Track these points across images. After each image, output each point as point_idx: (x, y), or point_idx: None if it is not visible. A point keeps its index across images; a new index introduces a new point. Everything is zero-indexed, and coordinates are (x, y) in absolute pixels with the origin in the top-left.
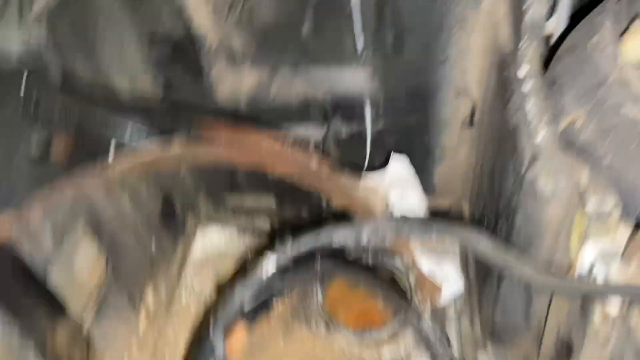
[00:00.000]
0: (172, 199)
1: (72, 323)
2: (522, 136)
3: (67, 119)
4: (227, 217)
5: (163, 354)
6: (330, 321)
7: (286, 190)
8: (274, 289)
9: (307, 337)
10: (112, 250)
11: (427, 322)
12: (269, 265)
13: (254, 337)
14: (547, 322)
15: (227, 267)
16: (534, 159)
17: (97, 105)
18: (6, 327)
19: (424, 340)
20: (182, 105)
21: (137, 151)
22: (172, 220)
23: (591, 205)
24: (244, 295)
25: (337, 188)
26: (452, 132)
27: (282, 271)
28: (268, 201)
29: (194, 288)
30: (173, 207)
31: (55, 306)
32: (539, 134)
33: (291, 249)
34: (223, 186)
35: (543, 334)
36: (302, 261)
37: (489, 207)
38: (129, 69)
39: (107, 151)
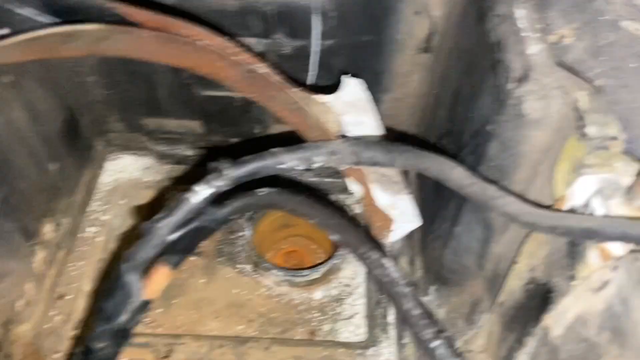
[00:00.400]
0: (76, 116)
1: None
2: (508, 51)
3: None
4: (143, 143)
5: (63, 292)
6: (258, 260)
7: (215, 112)
8: (205, 221)
9: (233, 276)
10: (0, 172)
11: (389, 265)
12: (203, 191)
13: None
14: (514, 263)
15: (142, 198)
16: (524, 76)
17: None
18: None
19: (387, 289)
20: None
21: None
22: (77, 140)
23: (592, 129)
24: (169, 227)
25: (286, 101)
26: (405, 56)
27: (216, 201)
28: (193, 125)
29: (101, 218)
30: (77, 125)
31: None
32: (532, 47)
33: (231, 172)
34: (140, 106)
35: (504, 276)
36: (237, 191)
37: (449, 138)
38: None
39: None
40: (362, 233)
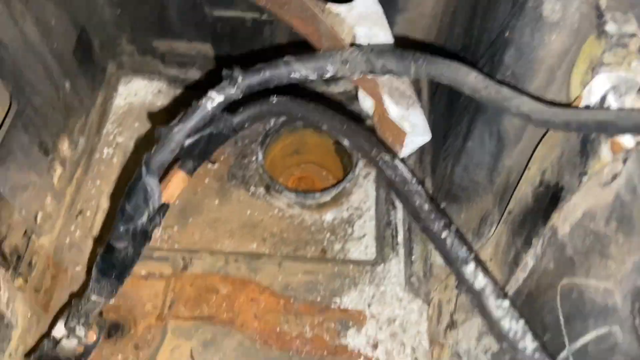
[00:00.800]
0: (88, 36)
1: None
2: None
3: None
4: (155, 66)
5: (81, 209)
6: (271, 183)
7: (225, 34)
8: (219, 128)
9: (245, 198)
10: (16, 85)
11: (401, 166)
12: (217, 98)
13: (188, 195)
14: (526, 170)
15: (155, 120)
16: None
17: None
18: None
19: (399, 188)
20: None
21: None
22: (89, 61)
23: (611, 26)
24: (184, 131)
25: (301, 8)
26: None
27: (230, 109)
28: (203, 47)
29: (117, 140)
30: (90, 45)
31: None
32: None
33: (244, 79)
34: (151, 27)
35: (515, 186)
36: (250, 101)
37: (465, 53)
38: None
39: None
40: (373, 138)
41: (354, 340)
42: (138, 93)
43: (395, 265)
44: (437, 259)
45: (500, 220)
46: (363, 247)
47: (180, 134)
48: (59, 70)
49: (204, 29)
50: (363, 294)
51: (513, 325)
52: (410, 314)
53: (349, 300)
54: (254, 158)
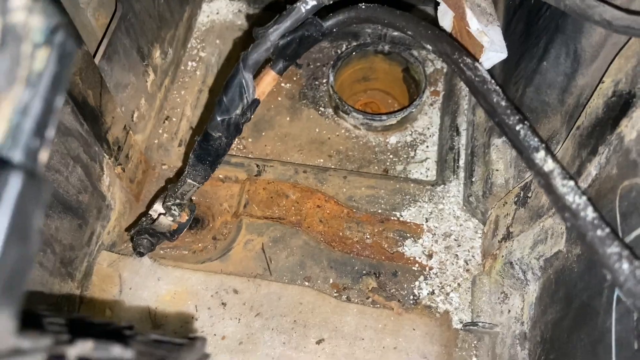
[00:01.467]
0: None
1: (86, 51)
2: None
3: None
4: None
5: (168, 115)
6: (339, 104)
7: None
8: (310, 32)
9: (315, 117)
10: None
11: (481, 68)
12: (309, 2)
13: (261, 111)
14: (599, 85)
15: (235, 38)
16: None
17: None
18: None
19: (478, 88)
20: None
21: None
22: None
23: None
24: (279, 32)
25: None
26: None
27: (322, 14)
28: None
29: (200, 54)
30: None
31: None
32: None
33: None
34: None
35: (586, 103)
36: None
37: None
38: None
39: None
40: (455, 43)
41: (411, 249)
42: (220, 11)
43: (455, 187)
44: (498, 179)
45: (567, 138)
46: (424, 170)
47: (275, 34)
48: None
49: None
50: (422, 210)
51: (576, 199)
52: (466, 231)
53: (408, 214)
54: (324, 80)
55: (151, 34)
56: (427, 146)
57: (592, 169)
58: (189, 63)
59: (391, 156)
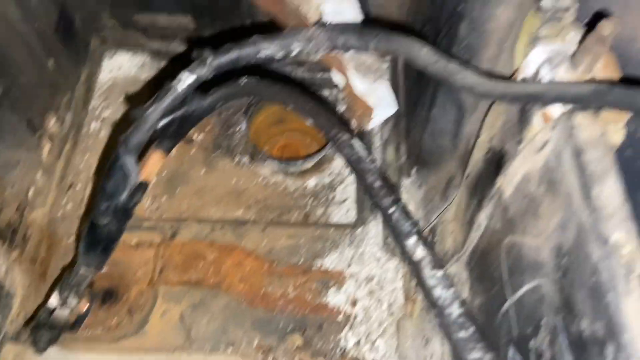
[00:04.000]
0: (69, 13)
1: None
2: None
3: None
4: (138, 40)
5: (72, 182)
6: (255, 152)
7: (205, 6)
8: (192, 109)
9: (230, 167)
10: (0, 66)
11: (358, 145)
12: (187, 78)
13: (175, 165)
14: (479, 137)
15: (140, 94)
16: None
17: None
18: None
19: (354, 166)
20: None
21: None
22: (72, 37)
23: (546, 1)
24: (158, 112)
25: None
26: None
27: (201, 88)
28: (184, 20)
29: (102, 115)
30: (72, 21)
31: None
32: None
33: (213, 60)
34: (131, 1)
35: (472, 151)
36: (223, 80)
37: (429, 25)
38: None
39: None
40: (334, 117)
41: (334, 298)
42: (122, 67)
43: (374, 227)
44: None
45: (461, 183)
46: (344, 211)
47: (154, 114)
48: (42, 49)
49: (184, 2)
50: (343, 255)
51: (443, 293)
52: (387, 273)
53: (330, 262)
54: (238, 128)
55: (43, 103)
56: (346, 186)
57: (482, 220)
58: (92, 124)
59: (311, 200)
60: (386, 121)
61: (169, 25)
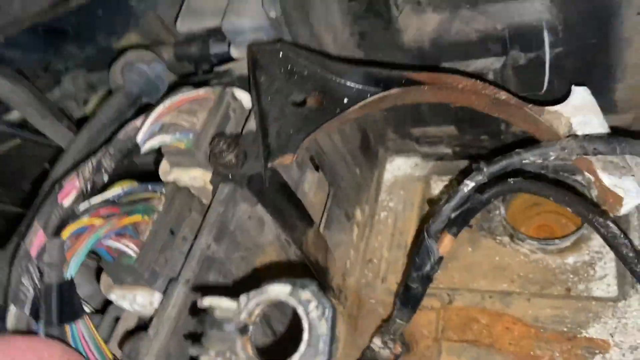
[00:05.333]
0: (367, 133)
1: (316, 228)
2: None
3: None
4: (412, 146)
5: (370, 257)
6: (513, 232)
7: (466, 119)
8: (473, 204)
9: (493, 246)
10: (331, 177)
11: (612, 225)
12: (470, 184)
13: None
14: None
15: (415, 188)
16: None
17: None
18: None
19: (610, 242)
20: (375, 51)
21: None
22: (369, 151)
23: None
24: (450, 208)
25: (523, 116)
26: (634, 49)
27: (480, 189)
28: (449, 129)
29: (389, 205)
30: (369, 140)
31: (305, 214)
32: None
33: (488, 169)
34: (408, 119)
35: None
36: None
37: None
38: (332, 26)
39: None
40: (589, 204)
41: None
42: (400, 168)
43: (636, 301)
44: None
45: None
46: (605, 286)
47: (447, 210)
48: (352, 161)
49: (449, 116)
50: (606, 326)
51: None
52: None
53: (594, 331)
54: (497, 212)
55: (353, 199)
56: (605, 262)
57: None
58: (382, 213)
59: (571, 276)
60: None
61: (436, 134)
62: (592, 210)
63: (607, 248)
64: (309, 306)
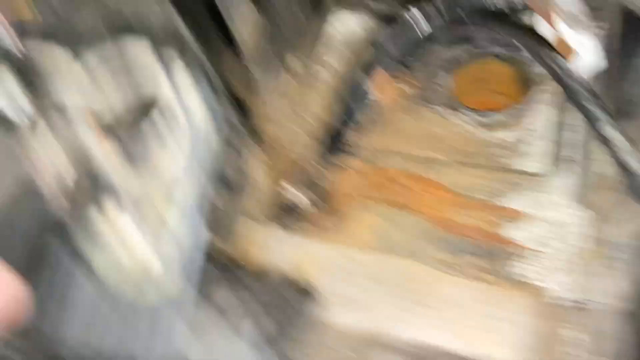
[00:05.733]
0: None
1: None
2: None
3: None
4: (359, 1)
5: (302, 113)
6: (452, 102)
7: None
8: (422, 43)
9: (432, 117)
10: (271, 15)
11: (561, 58)
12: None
13: (378, 110)
14: None
15: (360, 47)
16: None
17: None
18: None
19: (558, 76)
20: None
21: None
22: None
23: None
24: (393, 40)
25: None
26: None
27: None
28: None
29: (329, 63)
30: None
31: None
32: None
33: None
34: None
35: None
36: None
37: None
38: None
39: None
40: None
41: (513, 232)
42: (344, 25)
43: (557, 179)
44: (608, 170)
45: None
46: (531, 162)
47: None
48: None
49: None
50: (524, 198)
51: None
52: (573, 218)
53: (511, 201)
54: (441, 82)
55: (290, 46)
56: (535, 139)
57: None
58: (320, 68)
59: (500, 149)
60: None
61: None
62: (546, 45)
63: (541, 124)
64: None
